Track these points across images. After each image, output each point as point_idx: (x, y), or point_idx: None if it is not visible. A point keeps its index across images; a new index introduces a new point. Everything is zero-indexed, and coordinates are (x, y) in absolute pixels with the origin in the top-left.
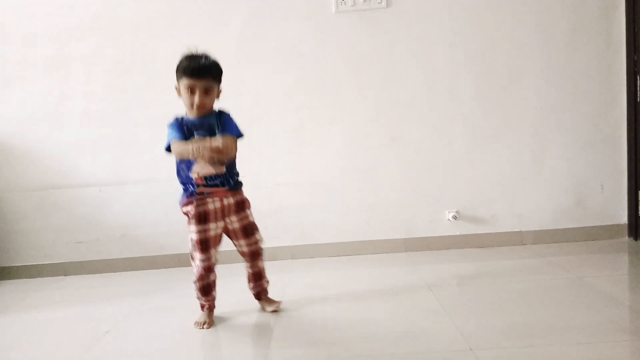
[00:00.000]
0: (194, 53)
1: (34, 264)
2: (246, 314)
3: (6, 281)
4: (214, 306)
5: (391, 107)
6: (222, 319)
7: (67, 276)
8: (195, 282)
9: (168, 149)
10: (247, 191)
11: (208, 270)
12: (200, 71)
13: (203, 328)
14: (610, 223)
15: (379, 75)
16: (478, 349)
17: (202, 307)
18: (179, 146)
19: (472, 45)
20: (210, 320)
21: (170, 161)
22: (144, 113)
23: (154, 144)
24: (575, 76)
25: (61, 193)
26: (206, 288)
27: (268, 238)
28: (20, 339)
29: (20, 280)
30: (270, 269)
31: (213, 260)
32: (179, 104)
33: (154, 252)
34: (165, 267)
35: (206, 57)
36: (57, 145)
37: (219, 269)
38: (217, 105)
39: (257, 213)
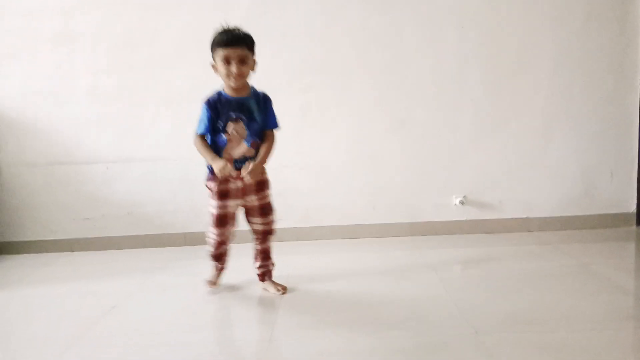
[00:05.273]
0: (226, 27)
1: (40, 239)
2: (252, 294)
3: (12, 256)
4: (223, 268)
5: (399, 90)
6: (226, 297)
7: (73, 252)
8: (210, 252)
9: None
10: None
11: (222, 243)
12: (235, 40)
13: (212, 287)
14: (618, 211)
15: (387, 57)
16: (482, 333)
17: (214, 268)
18: (202, 149)
19: (483, 29)
20: (217, 281)
21: (177, 140)
22: (150, 90)
23: (160, 122)
24: (587, 62)
25: (67, 169)
26: (219, 256)
27: None
28: (27, 314)
29: (26, 255)
30: (274, 250)
31: (227, 234)
32: (187, 82)
33: (160, 230)
34: (171, 246)
35: (239, 29)
36: (63, 121)
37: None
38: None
39: None
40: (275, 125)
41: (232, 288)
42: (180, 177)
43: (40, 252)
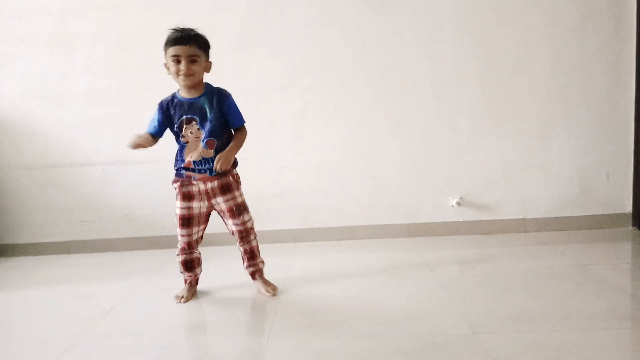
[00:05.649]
0: (179, 27)
1: (37, 242)
2: (249, 295)
3: (9, 258)
4: (195, 282)
5: (396, 92)
6: (224, 300)
7: (70, 254)
8: (177, 256)
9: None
10: (250, 174)
11: (189, 246)
12: (185, 38)
13: (180, 302)
14: (614, 212)
15: (385, 59)
16: (481, 333)
17: (185, 281)
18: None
19: (480, 30)
20: (188, 295)
21: (173, 142)
22: (147, 92)
23: None
24: (584, 63)
25: (64, 172)
26: (188, 263)
27: (271, 221)
28: (24, 316)
29: (24, 257)
30: (272, 251)
31: (195, 237)
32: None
33: (156, 233)
34: (168, 248)
35: (191, 29)
36: (59, 124)
37: (225, 250)
38: (215, 83)
39: (260, 196)
40: (239, 122)
41: (229, 290)
42: None
43: (37, 255)
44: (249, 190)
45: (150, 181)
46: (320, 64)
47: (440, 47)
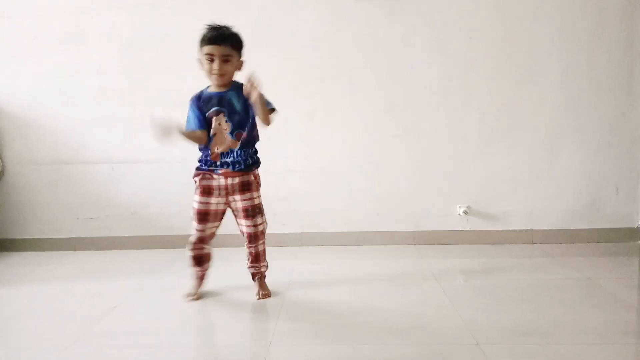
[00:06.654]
0: (215, 24)
1: (44, 237)
2: (254, 298)
3: (16, 253)
4: (203, 277)
5: (405, 98)
6: (228, 302)
7: (76, 251)
8: (189, 250)
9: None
10: None
11: (202, 241)
12: (219, 38)
13: (192, 299)
14: (623, 226)
15: (395, 65)
16: (485, 343)
17: (193, 275)
18: (186, 136)
19: (491, 39)
20: (199, 293)
21: (183, 143)
22: (158, 92)
23: None
24: (595, 75)
25: (73, 168)
26: (198, 258)
27: (276, 224)
28: (28, 311)
29: (30, 253)
30: (277, 254)
31: (209, 233)
32: (193, 84)
33: (163, 232)
34: (173, 247)
35: (227, 27)
36: (70, 121)
37: (232, 252)
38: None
39: (266, 199)
40: (268, 106)
41: (234, 292)
42: (185, 180)
43: (43, 250)
44: None
45: (158, 181)
46: (331, 67)
47: (451, 54)
